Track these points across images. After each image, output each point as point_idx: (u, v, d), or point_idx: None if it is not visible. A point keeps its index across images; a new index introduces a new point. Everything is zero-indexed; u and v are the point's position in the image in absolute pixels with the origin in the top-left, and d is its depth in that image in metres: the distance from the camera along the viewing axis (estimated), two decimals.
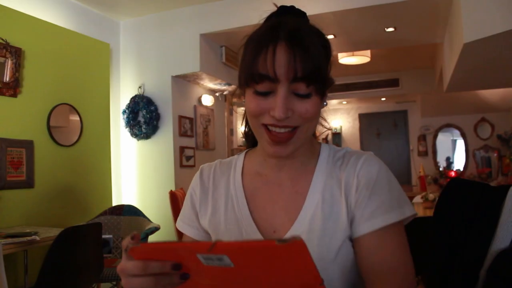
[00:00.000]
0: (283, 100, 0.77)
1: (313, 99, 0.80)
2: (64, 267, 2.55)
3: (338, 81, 8.00)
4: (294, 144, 0.83)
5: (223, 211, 0.94)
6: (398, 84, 7.79)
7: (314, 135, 0.98)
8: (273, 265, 0.66)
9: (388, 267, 0.80)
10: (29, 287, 2.82)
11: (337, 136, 9.55)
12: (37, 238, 2.61)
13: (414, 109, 8.87)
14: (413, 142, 8.89)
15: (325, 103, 0.88)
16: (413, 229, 1.00)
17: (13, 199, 3.23)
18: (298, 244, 0.59)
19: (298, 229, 0.85)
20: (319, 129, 0.99)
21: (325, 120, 0.99)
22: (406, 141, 9.00)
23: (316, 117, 0.83)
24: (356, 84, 8.01)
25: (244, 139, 1.04)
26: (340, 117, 9.57)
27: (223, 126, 5.38)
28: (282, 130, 0.80)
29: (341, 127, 9.54)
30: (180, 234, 1.03)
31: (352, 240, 0.83)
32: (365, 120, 9.42)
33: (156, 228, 3.36)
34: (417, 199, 4.94)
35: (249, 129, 0.94)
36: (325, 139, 9.37)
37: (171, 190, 4.00)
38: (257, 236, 0.88)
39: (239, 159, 1.00)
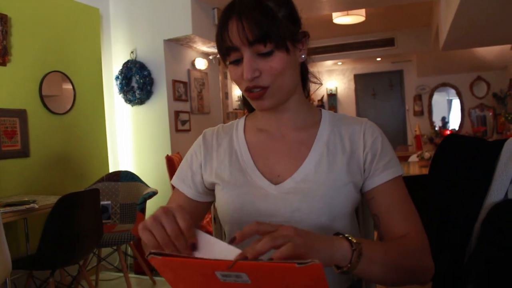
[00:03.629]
0: (247, 63, 0.88)
1: (276, 55, 0.89)
2: (64, 233, 2.58)
3: (333, 41, 7.90)
4: (271, 97, 0.93)
5: (228, 164, 1.02)
6: (393, 43, 7.70)
7: (308, 97, 1.09)
8: (289, 285, 0.67)
9: (400, 209, 0.94)
10: (31, 254, 2.85)
11: (332, 97, 9.51)
12: (36, 206, 2.62)
13: (409, 69, 8.82)
14: (409, 102, 8.88)
15: (302, 56, 0.98)
16: (408, 187, 1.02)
17: (9, 169, 3.22)
18: (316, 267, 0.62)
19: (304, 170, 0.96)
20: (312, 87, 1.12)
21: (314, 76, 1.10)
22: (402, 101, 8.99)
23: (285, 72, 0.91)
24: (351, 44, 7.91)
25: (242, 103, 1.11)
26: (335, 78, 9.51)
27: (217, 89, 5.33)
28: (256, 90, 0.91)
29: (336, 88, 9.49)
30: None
31: (365, 192, 0.97)
32: (360, 80, 9.36)
33: (154, 193, 3.38)
34: (413, 158, 4.98)
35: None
36: (321, 100, 9.34)
37: (168, 155, 3.99)
38: (262, 180, 0.97)
39: (240, 120, 1.11)
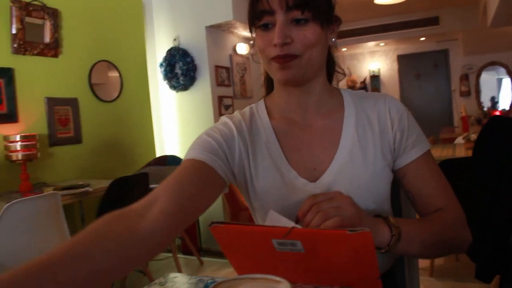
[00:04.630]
0: (280, 27, 0.84)
1: (311, 26, 0.85)
2: None
3: (375, 22, 7.75)
4: (299, 68, 0.87)
5: (260, 160, 0.94)
6: (438, 22, 7.46)
7: (330, 82, 1.03)
8: (339, 253, 0.72)
9: (433, 184, 0.93)
10: None
11: (375, 79, 9.35)
12: (90, 189, 2.77)
13: (455, 48, 8.53)
14: (455, 83, 8.61)
15: (333, 39, 0.93)
16: (454, 169, 1.03)
17: (64, 155, 3.41)
18: (366, 235, 0.66)
19: (339, 161, 0.92)
20: (338, 77, 1.05)
21: (339, 66, 1.04)
22: (447, 82, 8.73)
23: (317, 45, 0.87)
24: (393, 24, 7.72)
25: (264, 87, 1.08)
26: (378, 59, 9.34)
27: (259, 74, 5.37)
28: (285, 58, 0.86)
29: (379, 69, 9.33)
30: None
31: (396, 169, 0.95)
32: (403, 61, 9.15)
33: None
34: (459, 140, 4.86)
35: (267, 74, 1.00)
36: (363, 82, 9.22)
37: None
38: (299, 180, 0.92)
39: (259, 106, 1.03)
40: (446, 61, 8.73)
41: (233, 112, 1.01)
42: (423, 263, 3.23)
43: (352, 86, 9.07)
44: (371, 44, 8.66)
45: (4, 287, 0.55)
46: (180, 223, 0.79)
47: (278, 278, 0.62)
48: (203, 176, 0.86)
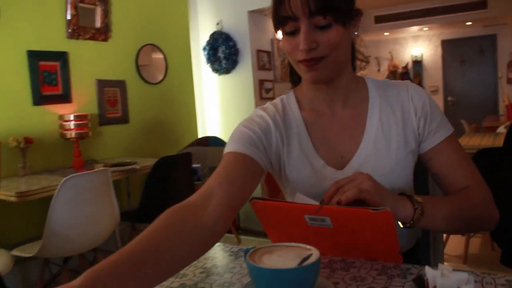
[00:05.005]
0: (305, 34, 0.88)
1: (335, 29, 0.90)
2: (162, 191, 2.89)
3: (418, 6, 7.57)
4: (325, 68, 0.93)
5: (292, 150, 1.03)
6: (485, 5, 7.21)
7: (354, 69, 1.08)
8: (364, 229, 0.84)
9: (458, 165, 0.99)
10: (132, 209, 3.22)
11: (417, 64, 9.18)
12: (137, 167, 2.95)
13: (504, 33, 8.23)
14: (502, 69, 8.34)
15: (355, 33, 0.98)
16: (487, 159, 1.08)
17: (113, 133, 3.62)
18: (387, 213, 0.76)
19: (364, 150, 1.00)
20: (358, 64, 1.10)
21: (361, 53, 1.09)
22: (494, 68, 8.47)
23: (341, 45, 0.92)
24: (437, 8, 7.52)
25: (290, 80, 1.14)
26: (421, 44, 9.14)
27: None
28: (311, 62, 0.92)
29: (422, 54, 9.14)
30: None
31: (422, 153, 1.02)
32: (448, 46, 8.93)
33: None
34: (501, 129, 4.78)
35: (291, 67, 1.06)
36: (405, 68, 9.06)
37: None
38: (326, 168, 1.00)
39: (290, 98, 1.09)
40: (493, 47, 8.46)
41: (273, 96, 1.11)
42: (457, 250, 3.26)
43: (393, 71, 8.94)
44: (414, 28, 8.48)
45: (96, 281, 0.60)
46: (234, 212, 0.88)
47: (309, 247, 0.72)
48: (247, 167, 0.94)
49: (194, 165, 3.73)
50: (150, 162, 3.05)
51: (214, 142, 3.91)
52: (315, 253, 0.70)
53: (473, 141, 3.96)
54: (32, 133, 3.00)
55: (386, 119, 1.02)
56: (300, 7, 0.87)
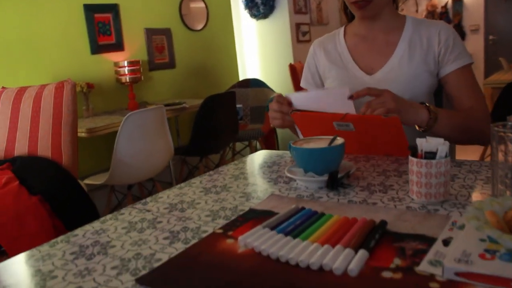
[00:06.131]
0: None
1: None
2: (209, 128, 3.19)
3: None
4: (373, 8, 1.24)
5: (333, 62, 1.38)
6: None
7: (396, 7, 1.36)
8: (379, 131, 1.09)
9: (467, 89, 1.24)
10: (182, 145, 3.55)
11: (458, 3, 8.91)
12: (187, 106, 3.25)
13: None
14: None
15: None
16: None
17: (161, 78, 3.93)
18: (395, 119, 1.00)
19: (391, 64, 1.29)
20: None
21: None
22: None
23: None
24: None
25: (343, 13, 1.45)
26: None
27: (335, 1, 5.49)
28: (362, 3, 1.23)
29: None
30: None
31: (440, 78, 1.26)
32: None
33: None
34: None
35: (345, 4, 1.36)
36: (444, 7, 8.84)
37: (290, 63, 4.42)
38: (359, 72, 1.32)
39: (340, 29, 1.44)
40: None
41: (310, 39, 1.45)
42: None
43: (431, 11, 8.75)
44: None
45: None
46: None
47: (336, 138, 0.99)
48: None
49: (236, 106, 4.01)
50: (197, 102, 3.35)
51: (254, 84, 4.16)
52: (340, 140, 0.96)
53: (506, 77, 4.01)
54: (91, 79, 3.33)
55: (414, 46, 1.27)
56: None
